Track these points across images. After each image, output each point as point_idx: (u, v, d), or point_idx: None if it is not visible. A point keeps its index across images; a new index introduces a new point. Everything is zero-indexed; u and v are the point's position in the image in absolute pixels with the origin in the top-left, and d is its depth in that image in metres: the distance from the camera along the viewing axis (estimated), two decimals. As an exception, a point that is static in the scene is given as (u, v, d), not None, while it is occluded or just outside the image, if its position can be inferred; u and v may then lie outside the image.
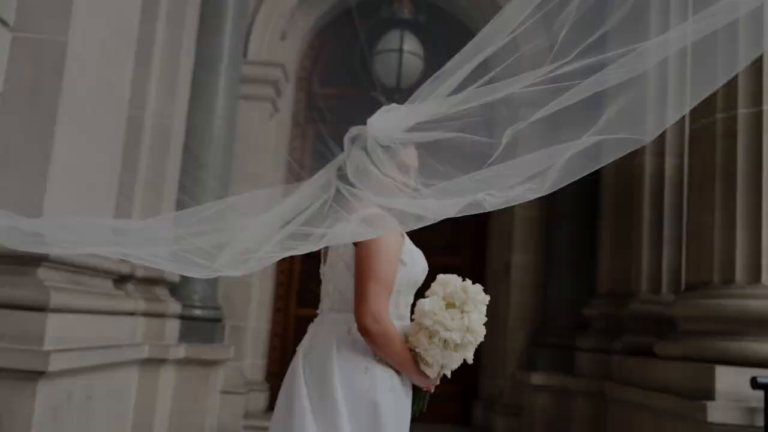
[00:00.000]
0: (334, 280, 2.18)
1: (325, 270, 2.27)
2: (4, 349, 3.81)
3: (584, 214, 6.47)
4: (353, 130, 2.35)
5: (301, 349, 2.17)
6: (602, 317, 6.06)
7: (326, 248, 2.29)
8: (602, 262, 6.31)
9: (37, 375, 3.82)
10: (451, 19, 7.62)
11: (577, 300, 6.36)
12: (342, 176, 2.34)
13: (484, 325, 2.22)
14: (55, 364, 3.86)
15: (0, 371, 3.78)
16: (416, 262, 2.23)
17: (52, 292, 3.98)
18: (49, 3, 4.28)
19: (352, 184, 2.21)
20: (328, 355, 2.07)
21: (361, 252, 2.08)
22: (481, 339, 2.19)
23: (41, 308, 3.94)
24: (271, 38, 6.97)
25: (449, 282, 2.23)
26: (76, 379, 4.32)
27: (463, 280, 2.26)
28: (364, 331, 2.04)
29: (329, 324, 2.15)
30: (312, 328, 2.22)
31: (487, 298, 2.25)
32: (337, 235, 2.05)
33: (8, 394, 3.80)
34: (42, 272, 4.07)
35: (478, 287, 2.24)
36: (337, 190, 2.22)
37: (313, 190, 2.22)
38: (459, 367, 2.20)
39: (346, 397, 2.01)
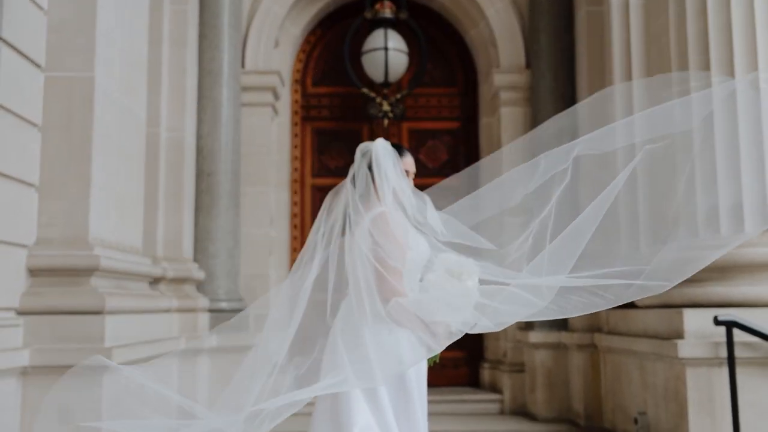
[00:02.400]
0: (357, 268, 2.77)
1: (347, 260, 2.85)
2: (72, 348, 4.42)
3: (566, 184, 7.06)
4: (362, 146, 2.91)
5: (337, 322, 2.78)
6: (589, 276, 6.68)
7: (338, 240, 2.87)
8: (585, 226, 6.92)
9: (102, 369, 4.43)
10: (431, 13, 8.17)
11: (566, 263, 6.98)
12: (353, 181, 2.91)
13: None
14: (116, 358, 4.48)
15: (70, 368, 4.39)
16: (421, 247, 2.83)
17: (107, 298, 4.59)
18: (75, 43, 4.85)
19: (359, 199, 2.79)
20: (360, 327, 2.67)
21: (379, 247, 2.68)
22: (477, 301, 2.79)
23: (99, 312, 4.55)
24: (266, 47, 7.51)
25: (448, 259, 2.84)
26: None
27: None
28: (387, 302, 2.65)
29: (358, 305, 2.74)
30: (343, 306, 2.82)
31: (479, 268, 2.85)
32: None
33: (79, 387, 4.40)
34: (94, 281, 4.68)
35: (472, 261, 2.84)
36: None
37: (344, 203, 2.79)
38: (465, 333, 2.80)
39: (378, 354, 2.61)
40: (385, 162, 2.83)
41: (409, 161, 2.96)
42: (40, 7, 4.76)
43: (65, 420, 4.30)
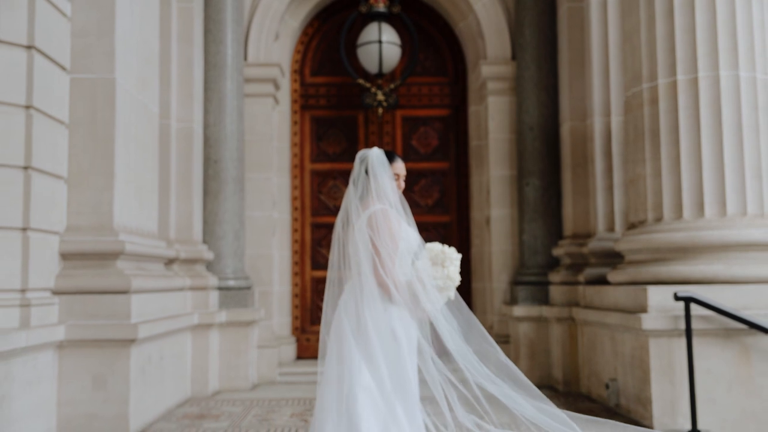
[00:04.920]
0: (359, 256, 3.29)
1: (349, 250, 3.37)
2: (103, 325, 4.97)
3: (548, 170, 7.59)
4: (361, 154, 3.42)
5: (342, 302, 3.31)
6: (568, 255, 7.23)
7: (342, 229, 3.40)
8: (566, 209, 7.46)
9: (129, 342, 4.99)
10: (422, 5, 8.61)
11: (548, 243, 7.53)
12: (354, 183, 3.42)
13: (459, 273, 3.36)
14: (142, 333, 5.04)
15: (101, 341, 4.95)
16: (411, 239, 3.35)
17: (132, 279, 5.11)
18: (97, 47, 5.32)
19: (359, 199, 3.32)
20: (360, 304, 3.20)
21: (375, 239, 3.20)
22: (458, 283, 3.33)
23: (125, 291, 5.08)
24: (266, 40, 7.96)
25: (433, 248, 3.37)
26: (153, 344, 5.50)
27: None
28: (382, 285, 3.18)
29: (359, 286, 3.28)
30: (347, 288, 3.35)
31: (460, 256, 3.39)
32: None
33: (109, 359, 4.98)
34: (120, 264, 5.20)
35: (453, 249, 3.37)
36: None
37: (349, 197, 3.33)
38: None
39: (374, 327, 3.15)
40: (378, 168, 3.34)
41: (398, 166, 3.45)
42: (65, 14, 5.22)
43: (98, 387, 4.88)
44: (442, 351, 3.20)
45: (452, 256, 3.32)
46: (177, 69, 6.93)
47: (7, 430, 4.29)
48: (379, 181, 3.32)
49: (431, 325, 3.25)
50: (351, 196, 3.36)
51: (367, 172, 3.36)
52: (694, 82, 5.53)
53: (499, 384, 3.22)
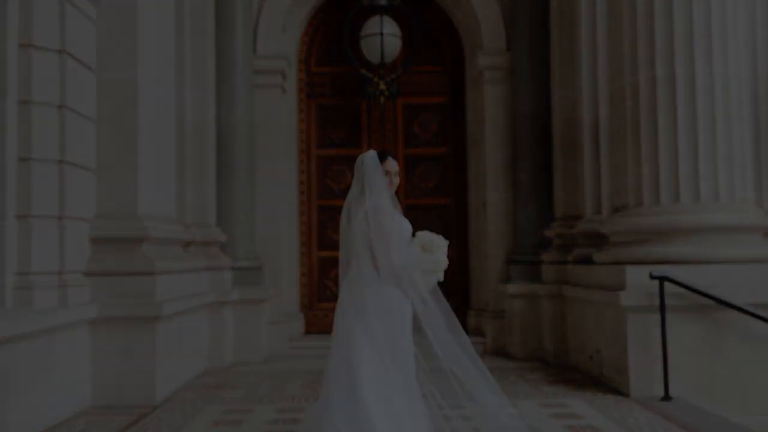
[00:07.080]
0: (358, 246, 3.76)
1: (351, 239, 3.83)
2: (131, 303, 5.48)
3: (541, 156, 8.05)
4: (360, 157, 3.87)
5: (346, 283, 3.79)
6: (559, 236, 7.71)
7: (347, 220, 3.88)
8: (557, 193, 7.92)
9: (154, 319, 5.51)
10: (422, -2, 9.02)
11: (540, 224, 8.01)
12: (355, 182, 3.89)
13: (447, 257, 3.83)
14: (166, 310, 5.55)
15: (130, 319, 5.46)
16: (405, 229, 3.82)
17: (156, 262, 5.62)
18: (120, 48, 5.77)
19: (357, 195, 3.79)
20: (361, 287, 3.69)
21: (370, 232, 3.67)
22: (445, 267, 3.80)
23: (150, 273, 5.59)
24: (274, 32, 8.38)
25: (424, 236, 3.84)
26: (175, 320, 6.01)
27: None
28: (377, 270, 3.67)
29: (359, 271, 3.76)
30: (351, 274, 3.83)
31: (447, 242, 3.86)
32: None
33: (137, 334, 5.50)
34: (144, 248, 5.70)
35: (441, 237, 3.84)
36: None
37: (351, 195, 3.80)
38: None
39: (374, 306, 3.63)
40: (371, 169, 3.79)
41: (388, 164, 3.88)
42: (90, 18, 5.67)
43: (127, 359, 5.41)
44: (418, 328, 3.69)
45: (440, 243, 3.79)
46: (191, 63, 7.37)
47: (51, 396, 4.83)
48: (372, 179, 3.78)
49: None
50: (352, 193, 3.84)
51: (363, 175, 3.82)
52: (672, 77, 5.95)
53: (473, 375, 3.71)
